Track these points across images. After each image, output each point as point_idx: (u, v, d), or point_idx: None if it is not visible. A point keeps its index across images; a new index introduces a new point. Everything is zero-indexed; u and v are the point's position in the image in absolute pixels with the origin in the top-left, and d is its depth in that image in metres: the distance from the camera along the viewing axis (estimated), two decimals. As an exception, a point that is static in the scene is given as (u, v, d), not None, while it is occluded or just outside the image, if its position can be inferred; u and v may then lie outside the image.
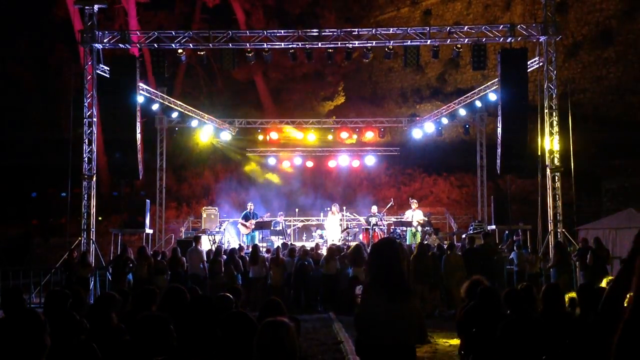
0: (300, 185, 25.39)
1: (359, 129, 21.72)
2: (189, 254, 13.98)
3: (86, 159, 15.47)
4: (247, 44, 16.21)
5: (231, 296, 5.04)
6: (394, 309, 3.72)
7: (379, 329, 3.74)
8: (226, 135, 21.61)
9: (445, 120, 20.67)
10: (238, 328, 3.26)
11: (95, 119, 15.80)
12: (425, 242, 15.74)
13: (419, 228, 17.32)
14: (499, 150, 15.61)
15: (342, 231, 17.83)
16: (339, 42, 16.33)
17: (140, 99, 16.55)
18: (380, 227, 17.73)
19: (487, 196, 20.25)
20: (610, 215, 17.98)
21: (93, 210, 15.38)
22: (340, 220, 18.26)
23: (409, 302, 3.82)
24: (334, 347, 9.08)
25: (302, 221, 20.73)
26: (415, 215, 17.59)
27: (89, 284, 13.57)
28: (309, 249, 15.37)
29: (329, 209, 18.34)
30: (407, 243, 16.58)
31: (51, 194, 26.19)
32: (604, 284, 7.44)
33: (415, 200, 18.35)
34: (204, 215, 19.86)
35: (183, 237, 18.87)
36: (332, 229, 17.87)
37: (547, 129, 15.45)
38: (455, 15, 31.09)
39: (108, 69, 15.99)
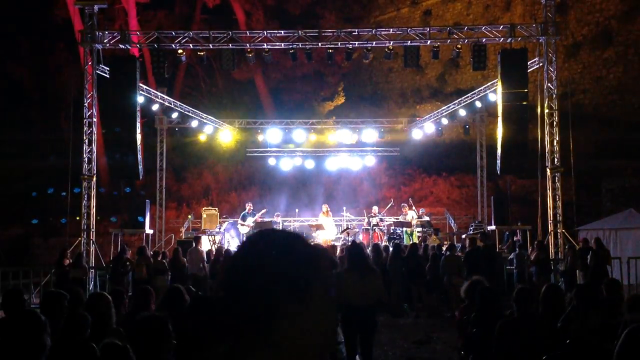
0: (300, 185, 25.37)
1: (359, 129, 21.73)
2: (189, 254, 13.99)
3: (86, 159, 15.47)
4: (247, 44, 16.21)
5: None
6: (361, 282, 6.36)
7: (350, 294, 6.26)
8: (226, 135, 21.60)
9: (445, 121, 20.65)
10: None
11: (95, 119, 15.81)
12: (425, 242, 15.74)
13: (416, 229, 17.43)
14: (499, 151, 15.59)
15: (342, 231, 17.85)
16: (339, 43, 16.35)
17: (140, 99, 16.52)
18: (380, 227, 17.74)
19: (487, 196, 20.26)
20: (611, 216, 17.98)
21: (93, 211, 15.39)
22: (340, 220, 18.30)
23: (372, 277, 6.52)
24: (333, 348, 9.05)
25: (302, 222, 20.72)
26: (409, 215, 17.83)
27: (84, 285, 13.50)
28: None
29: (321, 210, 18.52)
30: (404, 243, 16.60)
31: (51, 194, 26.17)
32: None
33: (405, 205, 18.68)
34: (204, 216, 19.85)
35: (183, 237, 18.86)
36: (325, 229, 17.94)
37: (547, 129, 15.45)
38: (455, 16, 31.08)
39: (108, 69, 15.99)
